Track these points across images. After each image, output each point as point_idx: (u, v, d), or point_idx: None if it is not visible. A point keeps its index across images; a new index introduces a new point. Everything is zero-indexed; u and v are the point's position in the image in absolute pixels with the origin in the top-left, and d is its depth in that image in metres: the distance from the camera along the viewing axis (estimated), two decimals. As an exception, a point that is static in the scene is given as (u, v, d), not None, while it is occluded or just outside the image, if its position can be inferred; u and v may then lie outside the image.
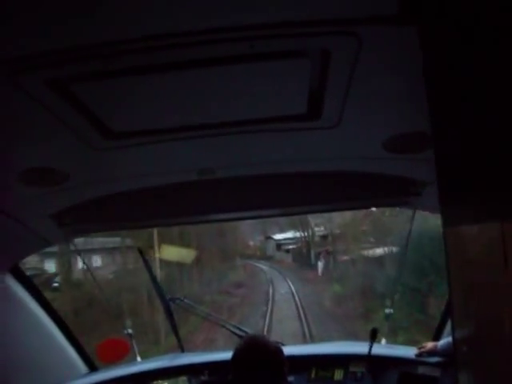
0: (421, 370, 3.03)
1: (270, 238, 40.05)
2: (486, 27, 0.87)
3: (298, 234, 33.33)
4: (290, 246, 35.24)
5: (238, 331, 3.45)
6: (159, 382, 3.22)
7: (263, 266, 33.85)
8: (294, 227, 33.03)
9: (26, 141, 1.74)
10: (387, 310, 3.53)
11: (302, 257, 31.06)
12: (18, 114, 1.53)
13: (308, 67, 1.41)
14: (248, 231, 36.41)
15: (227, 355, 3.12)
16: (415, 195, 2.55)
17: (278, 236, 37.98)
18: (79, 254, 3.60)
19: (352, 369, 3.21)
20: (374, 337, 3.10)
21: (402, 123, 1.83)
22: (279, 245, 38.22)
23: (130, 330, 3.57)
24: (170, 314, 3.64)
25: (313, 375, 3.24)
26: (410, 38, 1.18)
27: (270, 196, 2.55)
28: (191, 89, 1.51)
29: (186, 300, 3.66)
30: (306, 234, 31.35)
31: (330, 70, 1.41)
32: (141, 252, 3.83)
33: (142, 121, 1.73)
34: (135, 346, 3.57)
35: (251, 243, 40.59)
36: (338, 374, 3.22)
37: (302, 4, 1.15)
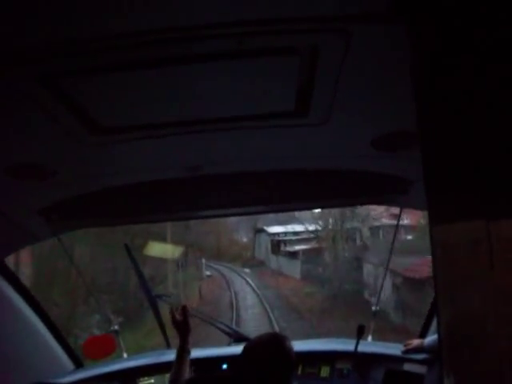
0: (407, 366, 3.05)
1: (261, 230, 25.41)
2: (475, 27, 0.88)
3: (312, 227, 19.02)
4: (299, 247, 20.04)
5: (227, 329, 3.45)
6: (145, 378, 3.22)
7: (245, 283, 18.94)
8: (305, 213, 18.22)
9: (13, 136, 1.72)
10: (374, 308, 3.55)
11: (327, 274, 15.27)
12: (5, 108, 1.51)
13: (296, 64, 1.41)
14: (236, 221, 24.52)
15: (213, 352, 3.13)
16: (402, 193, 2.57)
17: (276, 228, 23.49)
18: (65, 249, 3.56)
19: (338, 365, 3.23)
20: (360, 334, 3.12)
21: (391, 121, 1.84)
22: (277, 243, 23.13)
23: (116, 327, 3.57)
24: (156, 310, 3.64)
25: (299, 372, 3.25)
26: (399, 36, 1.18)
27: (258, 193, 2.55)
28: (179, 85, 1.50)
29: (172, 297, 3.66)
30: (333, 223, 17.45)
31: (319, 67, 1.41)
32: (127, 248, 3.81)
33: (131, 116, 1.72)
34: (121, 343, 3.57)
35: (244, 239, 29.14)
36: (325, 371, 3.24)
37: (291, 0, 1.15)
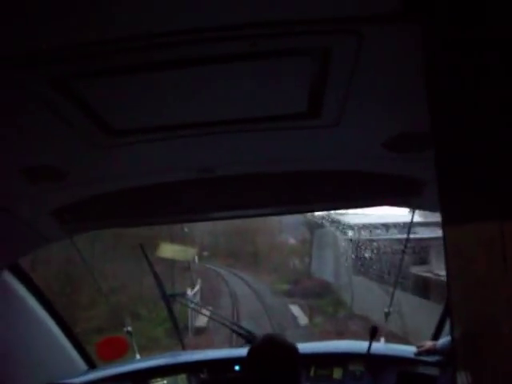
0: (420, 369, 3.03)
1: (335, 221, 13.58)
2: (488, 26, 0.87)
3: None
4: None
5: (242, 332, 3.45)
6: (158, 379, 3.22)
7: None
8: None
9: (26, 138, 1.74)
10: (386, 309, 3.53)
11: None
12: (18, 111, 1.53)
13: (309, 65, 1.41)
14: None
15: (227, 353, 3.13)
16: (415, 194, 2.55)
17: (368, 219, 12.38)
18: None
19: (351, 367, 3.21)
20: (373, 336, 3.10)
21: (403, 122, 1.83)
22: (368, 250, 11.66)
23: (129, 328, 3.58)
24: (170, 310, 3.65)
25: (312, 373, 3.24)
26: (412, 36, 1.18)
27: (270, 194, 2.55)
28: (192, 87, 1.51)
29: (187, 297, 3.66)
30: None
31: (331, 68, 1.41)
32: (142, 248, 3.81)
33: (144, 118, 1.73)
34: (134, 344, 3.58)
35: (291, 241, 18.55)
36: (337, 373, 3.23)
37: (304, 2, 1.15)
